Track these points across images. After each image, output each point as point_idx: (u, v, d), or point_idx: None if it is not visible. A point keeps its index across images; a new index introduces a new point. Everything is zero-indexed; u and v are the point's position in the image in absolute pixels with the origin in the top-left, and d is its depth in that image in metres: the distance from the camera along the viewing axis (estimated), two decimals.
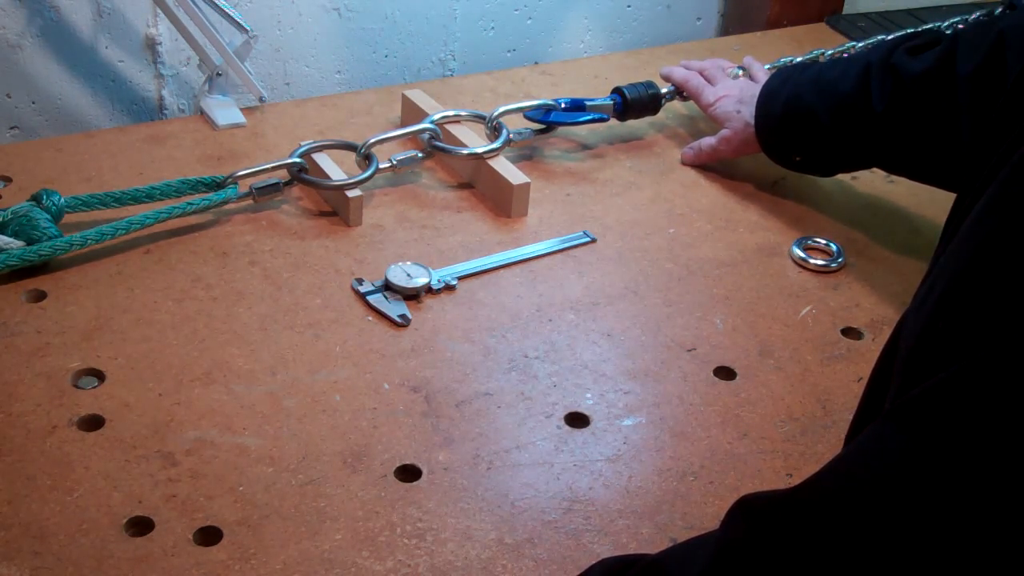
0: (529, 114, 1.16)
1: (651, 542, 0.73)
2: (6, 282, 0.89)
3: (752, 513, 0.52)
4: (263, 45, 1.24)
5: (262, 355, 0.85)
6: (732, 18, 1.57)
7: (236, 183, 1.01)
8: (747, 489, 0.76)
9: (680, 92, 1.20)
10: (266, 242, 0.98)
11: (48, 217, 0.92)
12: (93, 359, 0.83)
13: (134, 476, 0.73)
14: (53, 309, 0.87)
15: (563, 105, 1.15)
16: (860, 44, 1.30)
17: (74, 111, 1.19)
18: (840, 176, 1.14)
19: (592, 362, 0.88)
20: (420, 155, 1.08)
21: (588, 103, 1.16)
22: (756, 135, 1.08)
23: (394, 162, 1.06)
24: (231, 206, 1.00)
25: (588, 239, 1.03)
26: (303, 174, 1.03)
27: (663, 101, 1.20)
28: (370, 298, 0.92)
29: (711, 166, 1.16)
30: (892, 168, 1.04)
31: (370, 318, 0.90)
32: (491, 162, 1.06)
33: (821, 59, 1.26)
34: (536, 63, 1.43)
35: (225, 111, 1.15)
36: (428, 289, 0.93)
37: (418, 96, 1.16)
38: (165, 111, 1.24)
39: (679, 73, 1.20)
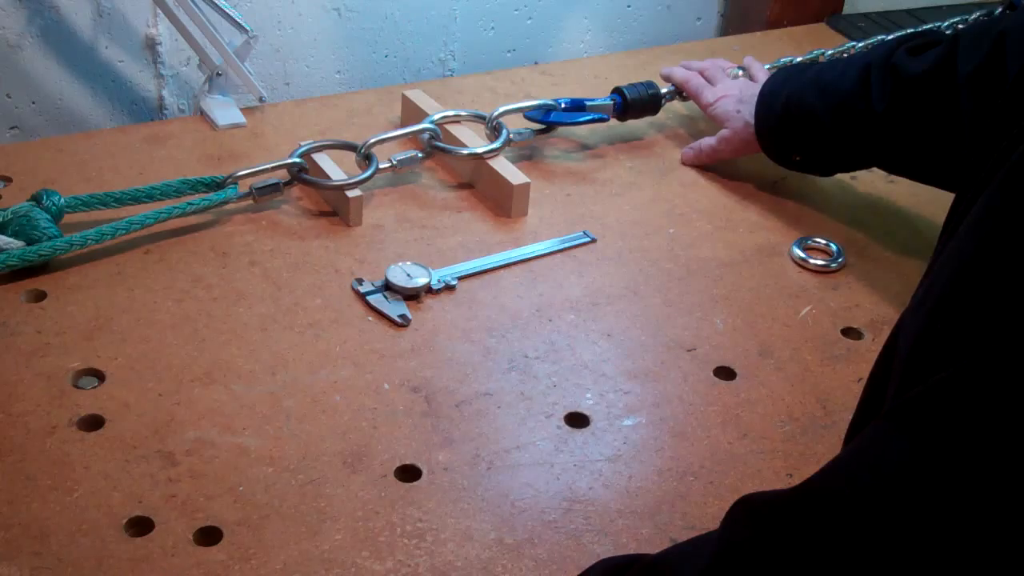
0: (529, 114, 1.15)
1: (651, 542, 0.73)
2: (6, 282, 0.89)
3: (752, 513, 0.52)
4: (263, 45, 1.24)
5: (262, 355, 0.85)
6: (732, 18, 1.57)
7: (236, 183, 1.01)
8: (747, 489, 0.76)
9: (680, 92, 1.20)
10: (266, 242, 0.98)
11: (48, 217, 0.92)
12: (93, 359, 0.83)
13: (134, 476, 0.73)
14: (53, 309, 0.87)
15: (563, 105, 1.15)
16: (860, 44, 1.30)
17: (74, 111, 1.19)
18: (840, 176, 1.14)
19: (592, 362, 0.88)
20: (420, 155, 1.08)
21: (588, 103, 1.16)
22: (756, 135, 1.08)
23: (394, 162, 1.06)
24: (231, 206, 1.00)
25: (588, 239, 1.03)
26: (303, 174, 1.03)
27: (663, 101, 1.20)
28: (370, 298, 0.92)
29: (711, 166, 1.16)
30: (892, 168, 1.03)
31: (370, 318, 0.90)
32: (491, 162, 1.06)
33: (821, 59, 1.26)
34: (536, 63, 1.43)
35: (225, 111, 1.15)
36: (428, 289, 0.93)
37: (418, 96, 1.16)
38: (165, 111, 1.24)
39: (679, 73, 1.20)
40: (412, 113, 1.15)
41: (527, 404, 0.83)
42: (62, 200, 0.94)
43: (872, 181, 1.16)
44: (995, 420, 0.44)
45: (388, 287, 0.92)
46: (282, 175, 1.03)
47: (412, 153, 1.07)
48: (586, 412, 0.83)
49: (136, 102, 1.22)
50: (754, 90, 1.10)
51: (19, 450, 0.74)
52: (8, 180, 1.02)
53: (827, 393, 0.87)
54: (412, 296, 0.92)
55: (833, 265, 1.02)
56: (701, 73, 1.19)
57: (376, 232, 1.01)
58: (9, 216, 0.91)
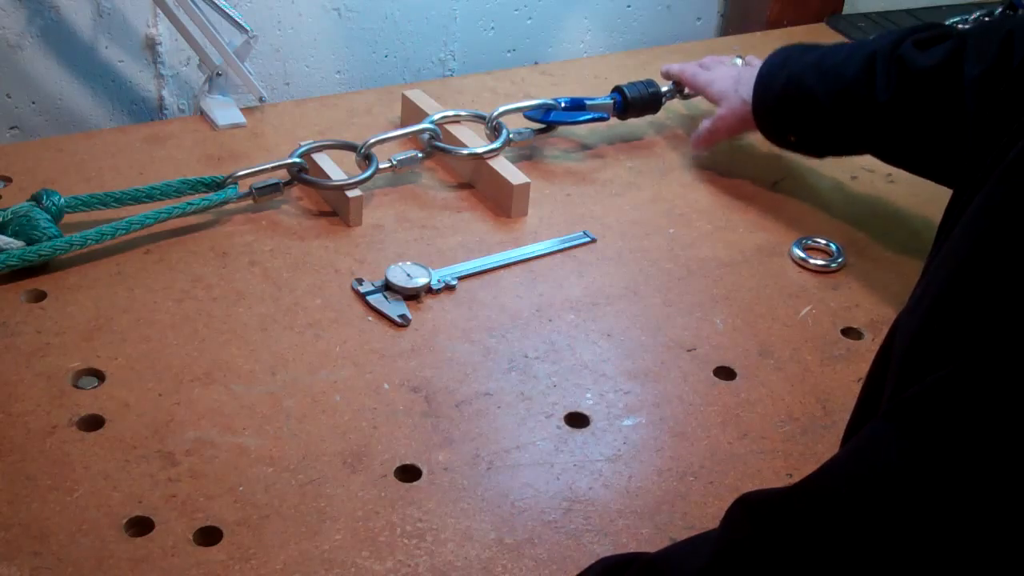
0: (529, 114, 1.16)
1: (651, 542, 0.73)
2: (6, 282, 0.89)
3: (751, 511, 0.53)
4: (263, 45, 1.24)
5: (262, 355, 0.85)
6: (732, 18, 1.57)
7: (236, 183, 1.01)
8: (747, 489, 0.76)
9: (681, 90, 1.20)
10: (266, 242, 0.98)
11: (48, 217, 0.92)
12: (93, 359, 0.83)
13: (134, 476, 0.73)
14: (53, 309, 0.87)
15: (563, 105, 1.15)
16: None
17: (74, 111, 1.19)
18: (840, 176, 1.14)
19: (592, 362, 0.88)
20: (420, 155, 1.08)
21: (588, 102, 1.16)
22: (753, 113, 1.07)
23: (394, 162, 1.06)
24: (231, 206, 1.00)
25: (588, 239, 1.03)
26: (303, 174, 1.03)
27: (664, 100, 1.20)
28: (370, 298, 0.92)
29: (711, 165, 1.16)
30: (887, 157, 1.02)
31: (370, 318, 0.90)
32: (491, 162, 1.06)
33: None
34: (536, 63, 1.43)
35: (225, 111, 1.15)
36: (428, 289, 0.93)
37: (418, 96, 1.16)
38: (165, 111, 1.24)
39: (676, 65, 1.21)
40: (412, 113, 1.15)
41: (527, 404, 0.83)
42: (62, 200, 0.94)
43: (872, 181, 1.16)
44: (992, 418, 0.45)
45: (388, 287, 0.92)
46: (282, 175, 1.03)
47: (412, 153, 1.07)
48: (586, 412, 0.83)
49: (136, 102, 1.22)
50: (752, 72, 1.09)
51: (19, 450, 0.74)
52: (8, 180, 1.02)
53: (827, 393, 0.87)
54: (412, 296, 0.92)
55: (833, 265, 1.02)
56: (699, 65, 1.19)
57: (376, 232, 1.01)
58: (9, 216, 0.91)
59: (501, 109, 1.12)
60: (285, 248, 0.97)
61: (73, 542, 0.68)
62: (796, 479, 0.77)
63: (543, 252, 1.00)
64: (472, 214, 1.05)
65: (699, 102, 1.24)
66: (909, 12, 1.55)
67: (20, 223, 0.91)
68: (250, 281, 0.93)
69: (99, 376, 0.81)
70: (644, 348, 0.90)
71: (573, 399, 0.84)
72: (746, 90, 1.08)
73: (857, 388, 0.86)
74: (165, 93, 1.23)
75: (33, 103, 1.17)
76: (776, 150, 1.10)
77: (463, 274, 0.96)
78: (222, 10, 1.13)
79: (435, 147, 1.08)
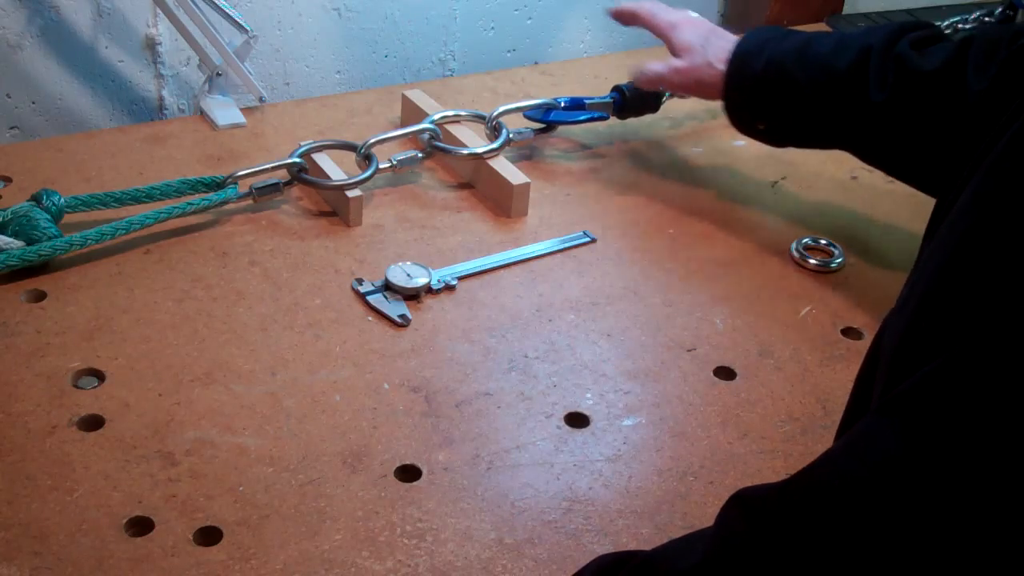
0: (529, 114, 1.16)
1: (651, 542, 0.73)
2: (6, 282, 0.89)
3: (746, 507, 0.53)
4: (263, 45, 1.24)
5: (262, 355, 0.85)
6: (732, 18, 1.57)
7: (236, 183, 1.01)
8: None
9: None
10: (266, 242, 0.98)
11: (48, 217, 0.92)
12: (93, 359, 0.83)
13: (134, 476, 0.73)
14: (53, 309, 0.87)
15: (563, 104, 1.15)
16: None
17: (74, 111, 1.19)
18: (840, 176, 1.14)
19: (592, 362, 0.88)
20: (420, 155, 1.08)
21: (588, 102, 1.16)
22: (724, 89, 1.00)
23: (394, 162, 1.06)
24: (231, 206, 1.00)
25: (588, 239, 1.03)
26: (303, 174, 1.03)
27: (663, 99, 1.20)
28: (370, 298, 0.91)
29: (712, 165, 1.16)
30: (870, 157, 0.98)
31: (370, 318, 0.90)
32: (491, 162, 1.06)
33: None
34: (536, 63, 1.43)
35: (225, 111, 1.15)
36: (428, 289, 0.93)
37: (418, 96, 1.16)
38: (165, 111, 1.24)
39: (628, 4, 1.10)
40: (412, 113, 1.15)
41: (527, 404, 0.83)
42: (62, 200, 0.94)
43: (872, 181, 1.16)
44: (985, 408, 0.45)
45: (388, 287, 0.92)
46: (282, 175, 1.03)
47: (412, 153, 1.07)
48: (586, 412, 0.83)
49: (136, 102, 1.22)
50: (723, 41, 1.01)
51: (19, 450, 0.74)
52: (8, 180, 1.02)
53: (827, 393, 0.87)
54: (412, 296, 0.92)
55: (833, 265, 1.02)
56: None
57: (376, 232, 1.01)
58: (9, 216, 0.91)
59: (501, 109, 1.12)
60: (285, 248, 0.97)
61: (73, 542, 0.68)
62: None
63: (543, 252, 1.00)
64: (472, 214, 1.05)
65: (699, 101, 1.24)
66: (909, 12, 1.55)
67: (20, 223, 0.91)
68: (250, 281, 0.93)
69: (99, 376, 0.81)
70: (644, 348, 0.90)
71: (573, 399, 0.84)
72: (716, 56, 1.00)
73: None
74: (165, 93, 1.23)
75: (33, 103, 1.17)
76: (776, 150, 1.09)
77: (463, 274, 0.96)
78: (222, 10, 1.13)
79: (435, 147, 1.08)
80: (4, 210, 0.92)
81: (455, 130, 1.10)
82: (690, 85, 1.03)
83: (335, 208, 1.03)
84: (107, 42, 1.18)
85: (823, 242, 1.05)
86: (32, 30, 1.14)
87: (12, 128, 1.17)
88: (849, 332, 0.94)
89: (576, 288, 0.96)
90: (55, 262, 0.91)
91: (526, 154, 1.16)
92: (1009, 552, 0.45)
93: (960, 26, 1.38)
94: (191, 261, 0.94)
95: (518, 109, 1.14)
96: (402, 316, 0.90)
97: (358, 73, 1.34)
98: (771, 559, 0.50)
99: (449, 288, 0.94)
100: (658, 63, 1.05)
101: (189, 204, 0.97)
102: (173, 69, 1.22)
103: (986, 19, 1.38)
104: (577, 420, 0.82)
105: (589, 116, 1.16)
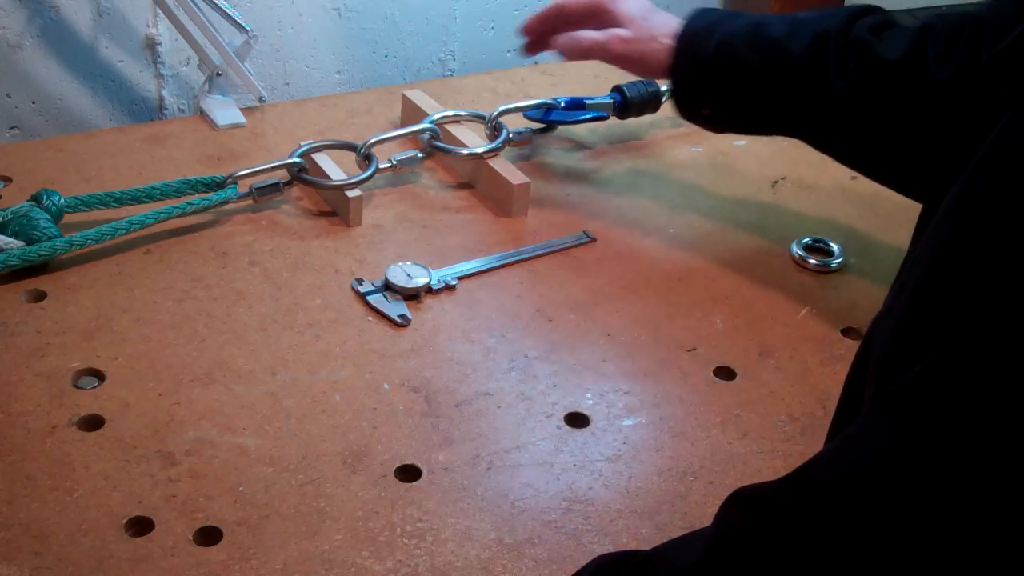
0: (529, 114, 1.16)
1: (651, 542, 0.73)
2: (6, 282, 0.89)
3: (743, 506, 0.53)
4: (263, 45, 1.24)
5: (262, 355, 0.85)
6: None
7: (236, 183, 1.01)
8: None
9: None
10: (266, 242, 0.98)
11: (48, 217, 0.92)
12: (93, 359, 0.83)
13: (134, 476, 0.73)
14: (53, 309, 0.87)
15: (563, 104, 1.15)
16: None
17: (74, 111, 1.19)
18: (840, 176, 1.14)
19: (592, 362, 0.88)
20: (420, 155, 1.08)
21: (588, 102, 1.16)
22: (671, 69, 0.95)
23: (394, 162, 1.06)
24: (231, 206, 1.01)
25: (588, 239, 1.03)
26: (303, 174, 1.03)
27: (663, 99, 1.20)
28: (370, 298, 0.92)
29: (712, 165, 1.16)
30: (823, 145, 0.95)
31: (370, 318, 0.90)
32: (491, 162, 1.06)
33: None
34: (536, 63, 1.43)
35: (225, 111, 1.15)
36: (428, 289, 0.93)
37: (418, 96, 1.16)
38: (165, 111, 1.24)
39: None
40: (412, 113, 1.15)
41: (527, 404, 0.83)
42: (62, 200, 0.94)
43: (872, 182, 1.16)
44: (978, 404, 0.45)
45: (388, 287, 0.92)
46: (282, 175, 1.03)
47: (412, 153, 1.07)
48: (586, 412, 0.83)
49: (136, 102, 1.22)
50: (666, 18, 0.96)
51: (19, 450, 0.74)
52: (8, 180, 1.02)
53: (827, 393, 0.87)
54: (412, 296, 0.92)
55: (833, 265, 1.02)
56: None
57: (376, 232, 1.01)
58: (9, 216, 0.91)
59: (501, 109, 1.12)
60: (285, 248, 0.97)
61: (73, 542, 0.68)
62: None
63: (543, 252, 1.00)
64: (472, 214, 1.05)
65: None
66: (908, 12, 1.55)
67: (20, 223, 0.91)
68: (250, 281, 0.93)
69: (99, 376, 0.81)
70: (644, 348, 0.90)
71: (573, 399, 0.84)
72: (660, 31, 0.95)
73: None
74: (165, 93, 1.23)
75: (33, 103, 1.17)
76: (776, 150, 1.10)
77: (463, 274, 0.96)
78: (222, 10, 1.13)
79: (435, 147, 1.08)
80: (4, 210, 0.92)
81: (455, 130, 1.10)
82: (632, 56, 0.97)
83: (335, 208, 1.03)
84: (107, 42, 1.18)
85: (823, 242, 1.05)
86: (32, 30, 1.14)
87: (12, 128, 1.17)
88: (849, 332, 0.94)
89: (576, 288, 0.96)
90: (55, 262, 0.91)
91: (526, 154, 1.16)
92: (1004, 548, 0.45)
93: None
94: (191, 261, 0.94)
95: (518, 109, 1.14)
96: (402, 316, 0.90)
97: (358, 73, 1.34)
98: (768, 557, 0.50)
99: (449, 288, 0.94)
100: (593, 32, 0.98)
101: (189, 204, 0.97)
102: (173, 69, 1.22)
103: (955, 14, 1.36)
104: (577, 420, 0.82)
105: (589, 116, 1.16)
